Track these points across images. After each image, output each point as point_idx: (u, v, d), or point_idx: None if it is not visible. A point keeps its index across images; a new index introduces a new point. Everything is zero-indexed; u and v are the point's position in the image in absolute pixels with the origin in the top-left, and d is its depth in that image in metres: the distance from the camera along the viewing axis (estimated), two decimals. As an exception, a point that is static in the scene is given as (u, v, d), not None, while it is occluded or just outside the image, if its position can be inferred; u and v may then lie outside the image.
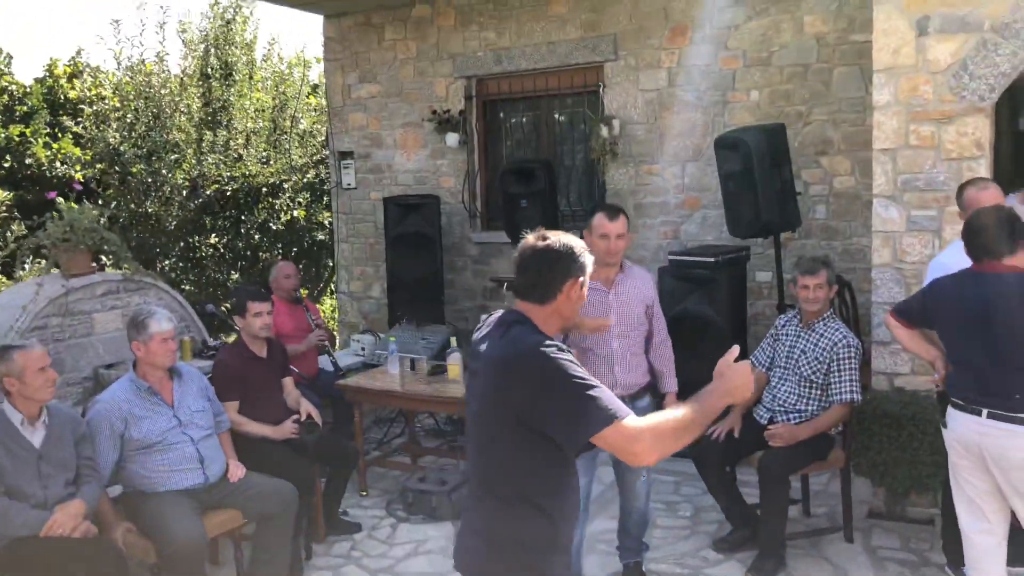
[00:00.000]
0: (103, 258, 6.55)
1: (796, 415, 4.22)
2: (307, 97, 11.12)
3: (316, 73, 11.64)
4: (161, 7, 10.03)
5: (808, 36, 6.36)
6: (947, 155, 4.37)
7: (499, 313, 2.38)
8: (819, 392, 4.20)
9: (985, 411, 3.12)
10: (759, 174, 5.12)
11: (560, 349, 2.13)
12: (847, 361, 4.13)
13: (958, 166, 4.35)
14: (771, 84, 6.52)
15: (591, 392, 2.05)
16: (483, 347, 2.30)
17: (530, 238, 2.31)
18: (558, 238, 2.27)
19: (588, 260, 2.30)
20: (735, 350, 2.16)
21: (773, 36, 6.47)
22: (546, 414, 2.08)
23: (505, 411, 2.16)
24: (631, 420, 2.04)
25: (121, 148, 9.25)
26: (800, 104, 6.42)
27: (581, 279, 2.28)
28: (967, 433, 3.20)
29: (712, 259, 5.47)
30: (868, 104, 6.08)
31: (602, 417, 2.02)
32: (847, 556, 4.19)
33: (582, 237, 6.45)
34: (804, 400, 4.22)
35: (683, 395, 5.48)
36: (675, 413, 2.08)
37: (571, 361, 2.12)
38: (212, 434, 4.05)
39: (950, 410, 3.30)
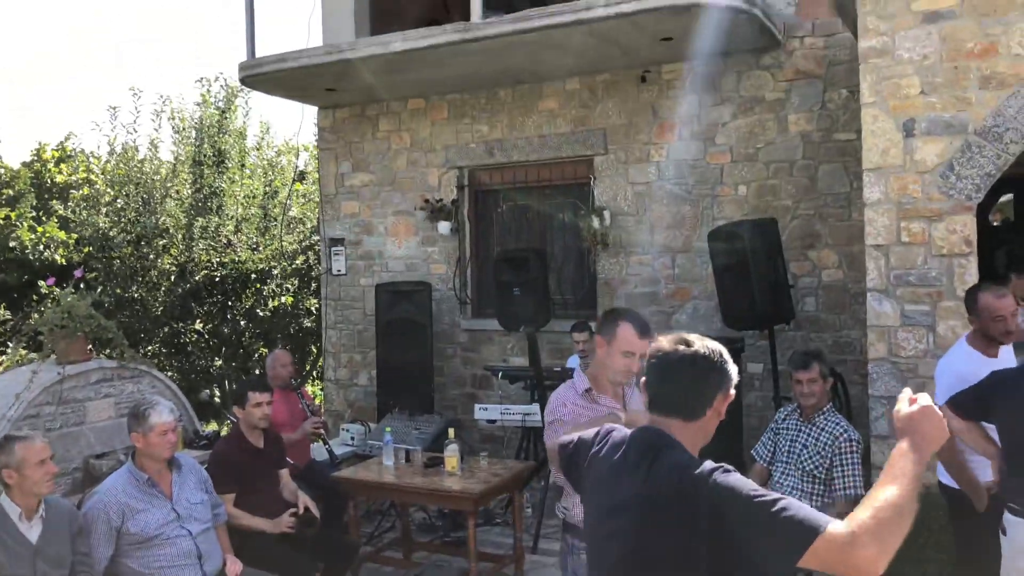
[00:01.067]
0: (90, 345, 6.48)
1: None
2: (296, 184, 11.26)
3: (303, 160, 11.82)
4: (159, 95, 10.17)
5: (793, 134, 6.60)
6: (938, 251, 4.50)
7: (619, 429, 2.10)
8: (822, 487, 4.19)
9: None
10: (754, 267, 5.23)
11: (727, 469, 1.83)
12: (849, 455, 4.13)
13: (949, 262, 4.48)
14: (758, 179, 6.72)
15: (780, 506, 1.70)
16: (615, 476, 1.99)
17: (667, 342, 2.00)
18: (704, 344, 1.98)
19: (734, 370, 2.01)
20: (907, 392, 1.82)
21: (759, 133, 6.70)
22: (740, 550, 1.74)
23: (687, 559, 1.80)
24: (836, 525, 1.66)
25: (110, 232, 9.25)
26: (787, 199, 6.61)
27: (731, 392, 2.00)
28: None
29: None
30: (852, 199, 6.30)
31: (804, 530, 1.66)
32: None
33: (581, 331, 6.49)
34: (808, 495, 4.21)
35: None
36: (884, 494, 1.68)
37: (744, 480, 1.81)
38: (210, 528, 3.95)
39: (1007, 516, 3.14)
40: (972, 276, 4.41)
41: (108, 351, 5.28)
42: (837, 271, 6.46)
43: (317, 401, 8.96)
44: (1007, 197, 10.06)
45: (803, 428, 4.31)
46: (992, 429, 3.33)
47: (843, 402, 5.95)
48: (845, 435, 4.16)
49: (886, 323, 4.62)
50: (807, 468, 4.21)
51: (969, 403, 3.35)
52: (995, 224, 10.13)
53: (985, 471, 3.42)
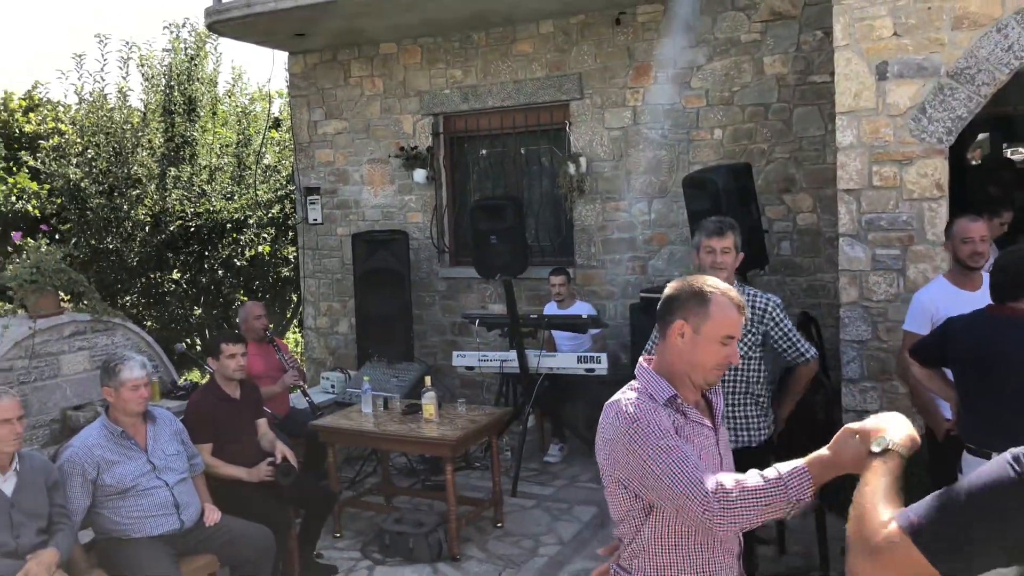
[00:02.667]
0: (63, 297, 6.43)
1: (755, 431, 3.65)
2: (270, 131, 11.10)
3: (278, 107, 11.63)
4: (125, 42, 9.92)
5: (768, 77, 6.55)
6: (909, 195, 4.52)
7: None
8: (759, 366, 3.67)
9: (995, 455, 3.10)
10: (727, 213, 5.21)
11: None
12: (784, 322, 3.65)
13: (920, 206, 4.50)
14: (734, 123, 6.69)
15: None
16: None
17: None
18: None
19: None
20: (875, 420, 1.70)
21: (735, 76, 6.65)
22: None
23: None
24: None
25: (82, 183, 9.11)
26: (762, 143, 6.59)
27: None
28: None
29: (682, 295, 5.54)
30: (828, 143, 6.29)
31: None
32: (822, 590, 4.25)
33: (558, 275, 6.52)
34: (747, 382, 3.63)
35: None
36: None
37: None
38: (187, 478, 3.99)
39: (964, 455, 3.24)
40: (942, 219, 4.44)
41: (82, 303, 5.23)
42: (811, 215, 6.48)
43: (296, 349, 8.99)
44: (983, 136, 10.09)
45: None
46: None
47: (817, 345, 6.02)
48: (771, 303, 3.66)
49: (858, 267, 4.66)
50: (741, 371, 3.62)
51: (927, 350, 3.45)
52: (973, 163, 10.17)
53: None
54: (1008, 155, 10.10)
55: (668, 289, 2.17)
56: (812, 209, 6.48)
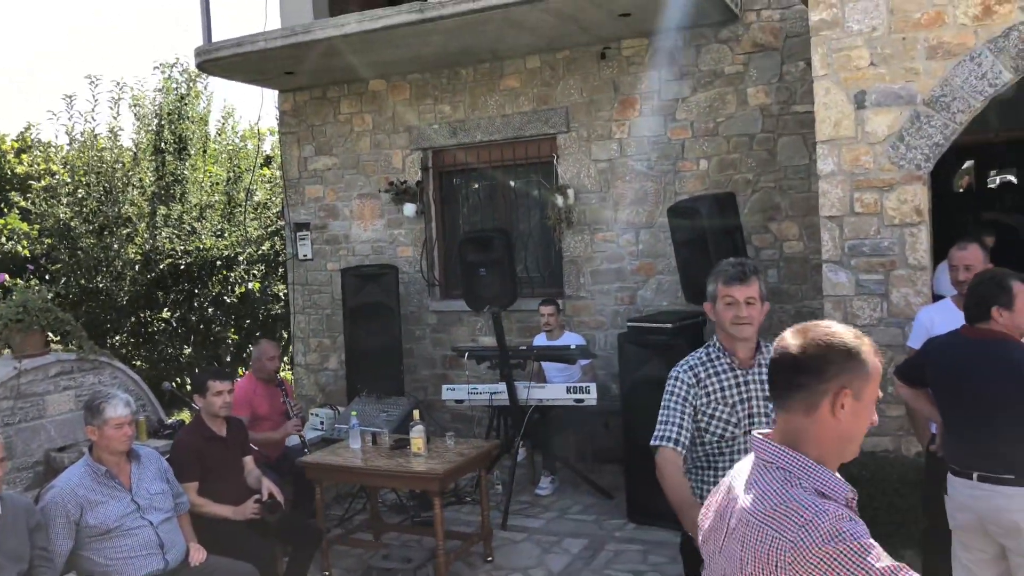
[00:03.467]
0: (50, 336, 6.42)
1: None
2: (261, 169, 11.16)
3: (269, 144, 11.71)
4: (116, 82, 10.00)
5: (752, 107, 6.63)
6: (890, 221, 4.55)
7: None
8: None
9: (975, 474, 3.12)
10: (712, 241, 5.26)
11: None
12: None
13: (900, 232, 4.53)
14: (719, 153, 6.75)
15: None
16: None
17: None
18: None
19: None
20: None
21: (719, 107, 6.72)
22: None
23: None
24: None
25: (72, 223, 9.14)
26: (747, 172, 6.64)
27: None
28: (963, 498, 3.18)
29: (669, 325, 5.56)
30: (812, 171, 6.32)
31: None
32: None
33: (547, 305, 6.53)
34: None
35: (644, 460, 5.52)
36: None
37: None
38: (172, 517, 3.95)
39: (949, 476, 3.26)
40: (923, 244, 4.48)
41: (69, 343, 5.22)
42: (798, 243, 6.52)
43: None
44: (968, 164, 10.19)
45: (741, 376, 2.90)
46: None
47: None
48: None
49: (841, 292, 4.68)
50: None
51: (911, 371, 3.52)
52: (960, 191, 10.26)
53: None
54: (989, 183, 10.22)
55: (806, 348, 1.64)
56: (798, 237, 6.52)
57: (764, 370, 2.76)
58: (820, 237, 4.82)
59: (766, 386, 2.49)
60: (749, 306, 2.85)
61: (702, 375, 2.89)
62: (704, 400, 2.87)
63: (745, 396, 2.89)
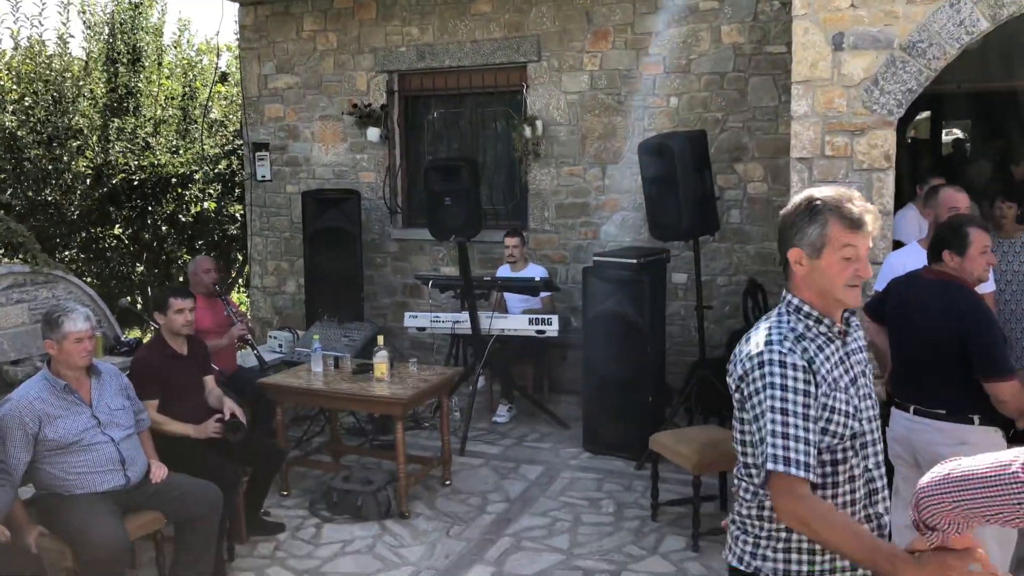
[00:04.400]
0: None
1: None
2: (217, 85, 10.79)
3: (226, 60, 11.31)
4: (64, -15, 9.52)
5: (725, 45, 6.59)
6: (859, 165, 4.60)
7: None
8: None
9: (912, 407, 3.31)
10: (682, 179, 5.27)
11: None
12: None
13: (868, 176, 4.59)
14: (690, 91, 6.72)
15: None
16: None
17: None
18: None
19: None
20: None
21: (692, 44, 6.67)
22: None
23: None
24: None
25: (18, 133, 8.77)
26: (717, 111, 6.64)
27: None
28: (900, 430, 3.37)
29: (635, 261, 5.60)
30: (780, 113, 6.37)
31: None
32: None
33: (512, 236, 6.52)
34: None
35: (601, 392, 5.62)
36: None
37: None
38: (133, 434, 3.91)
39: (892, 409, 3.44)
40: (889, 190, 4.54)
41: (20, 256, 5.07)
42: (762, 184, 6.57)
43: (243, 308, 8.86)
44: (925, 114, 10.33)
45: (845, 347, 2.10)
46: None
47: (763, 311, 6.14)
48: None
49: (806, 235, 4.73)
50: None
51: (876, 306, 3.68)
52: (908, 141, 10.41)
53: None
54: (944, 137, 10.39)
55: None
56: (763, 178, 6.57)
57: (860, 334, 2.14)
58: (785, 179, 4.87)
59: (865, 355, 2.13)
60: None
61: (812, 353, 1.98)
62: (822, 390, 1.96)
63: (854, 374, 2.06)
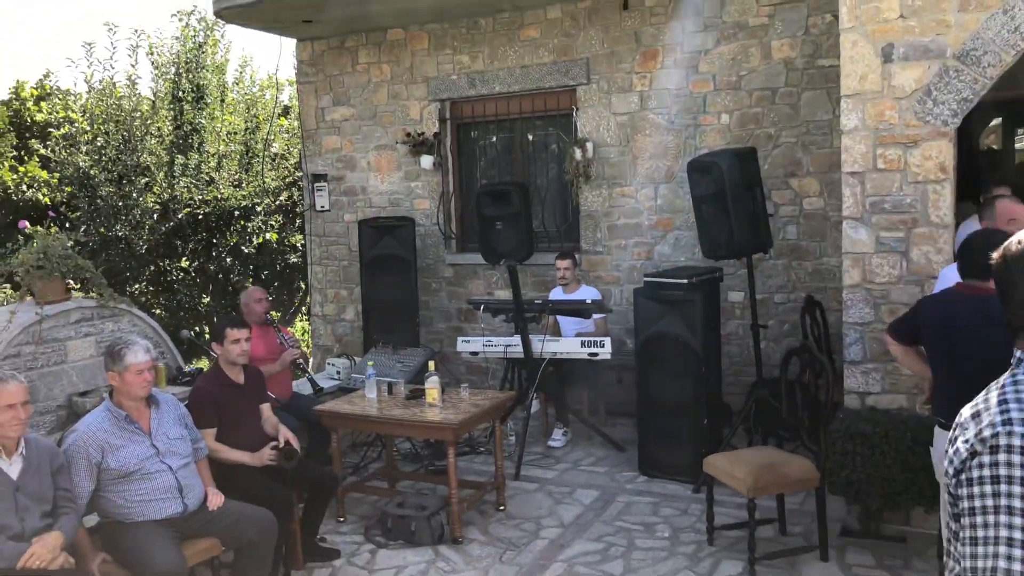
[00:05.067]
0: (71, 283, 6.49)
1: None
2: (278, 119, 11.12)
3: (288, 95, 11.64)
4: (134, 30, 9.95)
5: (776, 61, 6.51)
6: (913, 178, 4.48)
7: None
8: None
9: None
10: (732, 197, 5.20)
11: None
12: None
13: (924, 189, 4.46)
14: (741, 107, 6.65)
15: None
16: None
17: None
18: None
19: None
20: None
21: (742, 60, 6.61)
22: None
23: None
24: None
25: (91, 172, 9.17)
26: (769, 127, 6.55)
27: None
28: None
29: (686, 280, 5.53)
30: (835, 127, 6.24)
31: None
32: (823, 575, 4.24)
33: (564, 258, 6.53)
34: None
35: (656, 415, 5.55)
36: None
37: None
38: (190, 462, 4.01)
39: (936, 429, 3.34)
40: (947, 202, 4.41)
41: (89, 290, 5.28)
42: (818, 199, 6.44)
43: (303, 337, 9.05)
44: (996, 121, 9.98)
45: None
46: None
47: (822, 328, 6.00)
48: None
49: (861, 250, 4.63)
50: None
51: (903, 329, 3.59)
52: (984, 149, 10.07)
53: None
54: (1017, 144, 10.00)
55: None
56: (819, 193, 6.44)
57: None
58: (840, 193, 4.75)
59: None
60: None
61: None
62: None
63: None
